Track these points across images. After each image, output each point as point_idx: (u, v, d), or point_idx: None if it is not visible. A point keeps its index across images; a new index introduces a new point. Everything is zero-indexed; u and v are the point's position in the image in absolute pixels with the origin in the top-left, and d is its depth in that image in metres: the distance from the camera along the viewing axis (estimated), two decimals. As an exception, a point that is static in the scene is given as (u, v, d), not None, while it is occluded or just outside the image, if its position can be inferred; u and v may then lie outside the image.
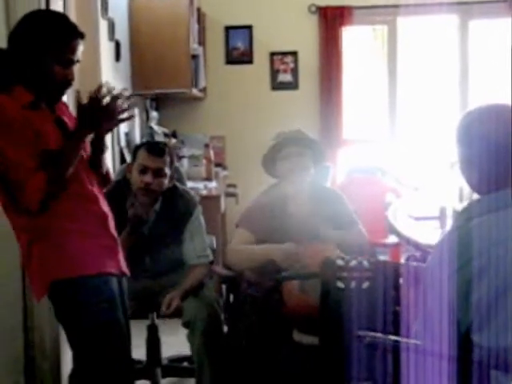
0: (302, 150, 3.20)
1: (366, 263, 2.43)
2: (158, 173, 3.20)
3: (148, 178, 3.18)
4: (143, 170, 3.19)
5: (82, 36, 2.40)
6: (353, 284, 2.43)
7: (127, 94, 2.56)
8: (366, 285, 2.45)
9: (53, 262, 2.37)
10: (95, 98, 2.34)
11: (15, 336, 3.21)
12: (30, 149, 2.27)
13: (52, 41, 2.33)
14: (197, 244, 3.30)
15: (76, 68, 2.42)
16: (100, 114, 2.36)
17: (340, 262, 2.43)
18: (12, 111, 2.28)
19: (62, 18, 2.46)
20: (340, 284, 2.45)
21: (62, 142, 2.36)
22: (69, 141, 2.36)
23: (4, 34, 2.96)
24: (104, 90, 2.36)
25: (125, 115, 2.48)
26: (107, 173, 2.63)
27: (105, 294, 2.41)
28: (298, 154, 3.18)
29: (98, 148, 2.51)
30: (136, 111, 5.33)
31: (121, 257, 2.56)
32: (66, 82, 2.40)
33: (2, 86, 2.34)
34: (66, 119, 2.48)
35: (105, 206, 2.53)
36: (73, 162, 2.35)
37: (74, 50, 2.37)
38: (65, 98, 2.58)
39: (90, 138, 2.50)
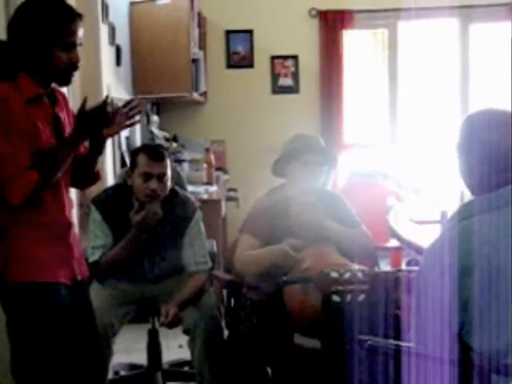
0: (323, 160, 3.17)
1: (360, 275, 2.39)
2: (162, 177, 3.18)
3: (153, 184, 3.15)
4: (147, 177, 3.16)
5: (80, 17, 2.36)
6: (348, 297, 2.41)
7: (135, 102, 2.53)
8: (361, 297, 2.43)
9: (2, 264, 2.33)
10: (100, 109, 2.33)
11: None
12: (25, 145, 2.25)
13: (50, 27, 2.29)
14: (196, 250, 3.28)
15: (80, 50, 2.38)
16: (100, 126, 2.36)
17: (334, 275, 2.39)
18: (15, 104, 2.26)
19: (57, 2, 2.39)
20: (336, 298, 2.43)
21: (53, 141, 2.35)
22: (63, 146, 2.34)
23: (3, 24, 2.93)
24: (108, 104, 2.35)
25: (128, 122, 2.49)
26: (97, 171, 2.61)
27: (50, 303, 2.36)
28: (317, 164, 3.15)
29: (98, 149, 2.48)
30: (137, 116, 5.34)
31: (76, 265, 2.50)
32: (72, 66, 2.36)
33: (7, 75, 2.31)
34: (63, 116, 2.46)
35: (69, 215, 2.49)
36: (64, 167, 2.34)
37: (73, 33, 2.33)
38: (70, 101, 2.56)
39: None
